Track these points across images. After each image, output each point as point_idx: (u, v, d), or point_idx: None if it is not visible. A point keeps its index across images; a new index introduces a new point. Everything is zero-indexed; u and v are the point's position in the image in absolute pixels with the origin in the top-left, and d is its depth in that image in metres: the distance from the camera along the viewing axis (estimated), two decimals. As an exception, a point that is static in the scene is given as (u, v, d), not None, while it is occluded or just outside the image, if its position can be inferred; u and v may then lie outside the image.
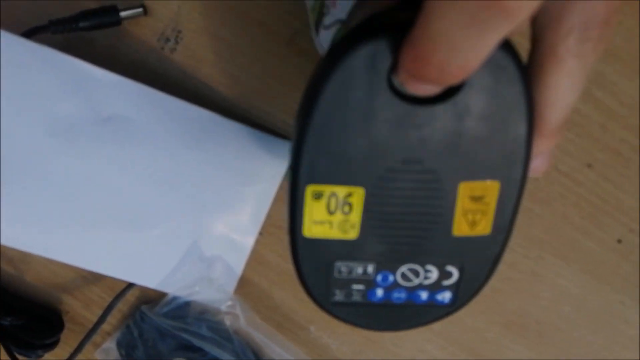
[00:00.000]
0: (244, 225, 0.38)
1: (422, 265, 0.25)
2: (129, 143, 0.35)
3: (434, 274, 0.26)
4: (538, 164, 0.24)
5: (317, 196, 0.24)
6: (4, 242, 0.36)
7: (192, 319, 0.39)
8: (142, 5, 0.36)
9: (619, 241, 0.37)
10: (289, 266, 0.39)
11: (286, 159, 0.37)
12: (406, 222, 0.24)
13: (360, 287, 0.26)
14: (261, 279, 0.39)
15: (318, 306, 0.27)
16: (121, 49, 0.37)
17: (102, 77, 0.34)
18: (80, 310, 0.41)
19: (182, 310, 0.39)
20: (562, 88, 0.21)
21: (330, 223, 0.24)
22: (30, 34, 0.35)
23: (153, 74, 0.37)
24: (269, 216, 0.38)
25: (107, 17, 0.35)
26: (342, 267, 0.26)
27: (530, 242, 0.37)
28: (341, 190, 0.24)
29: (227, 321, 0.39)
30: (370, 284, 0.26)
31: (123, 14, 0.35)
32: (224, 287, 0.39)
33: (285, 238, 0.39)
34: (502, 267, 0.37)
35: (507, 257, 0.37)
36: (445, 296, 0.27)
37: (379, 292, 0.26)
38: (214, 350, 0.39)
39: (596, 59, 0.20)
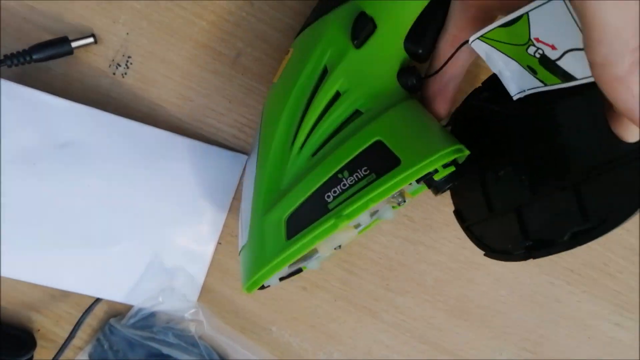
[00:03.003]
0: (202, 235, 0.40)
1: None
2: (86, 166, 0.37)
3: None
4: None
5: None
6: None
7: (159, 328, 0.40)
8: (93, 35, 0.38)
9: (546, 227, 0.40)
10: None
11: (238, 170, 0.39)
12: None
13: None
14: (223, 286, 0.41)
15: None
16: (75, 76, 0.39)
17: (57, 104, 0.36)
18: (50, 327, 0.42)
19: (149, 320, 0.41)
20: None
21: None
22: (-15, 68, 0.36)
23: (106, 98, 0.39)
24: (226, 225, 0.40)
25: (60, 47, 0.37)
26: None
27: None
28: None
29: (192, 327, 0.41)
30: None
31: (74, 44, 0.37)
32: (187, 296, 0.40)
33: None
34: (442, 258, 0.41)
35: (446, 249, 0.40)
36: None
37: None
38: (182, 356, 0.40)
39: None
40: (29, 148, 0.36)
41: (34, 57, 0.37)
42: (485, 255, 0.34)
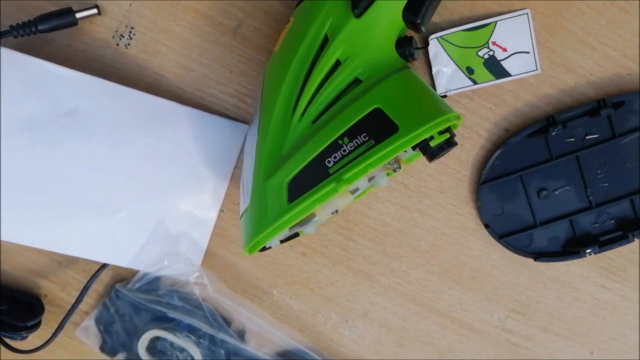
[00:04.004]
0: (205, 202, 0.41)
1: None
2: (91, 134, 0.38)
3: None
4: None
5: None
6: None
7: (164, 291, 0.42)
8: (96, 6, 0.38)
9: (536, 194, 0.41)
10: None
11: (239, 139, 0.40)
12: None
13: None
14: (225, 251, 0.42)
15: None
16: (79, 47, 0.39)
17: (62, 74, 0.37)
18: (58, 292, 0.43)
19: (154, 284, 0.42)
20: None
21: None
22: (-8, 38, 0.37)
23: (110, 69, 0.39)
24: (228, 193, 0.41)
25: (64, 18, 0.37)
26: None
27: (460, 200, 0.41)
28: None
29: (196, 291, 0.42)
30: None
31: (79, 14, 0.38)
32: (191, 260, 0.41)
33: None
34: (436, 224, 0.42)
35: (440, 215, 0.42)
36: None
37: None
38: (186, 319, 0.41)
39: None
40: (35, 117, 0.37)
41: (39, 27, 0.37)
42: (535, 260, 0.41)
